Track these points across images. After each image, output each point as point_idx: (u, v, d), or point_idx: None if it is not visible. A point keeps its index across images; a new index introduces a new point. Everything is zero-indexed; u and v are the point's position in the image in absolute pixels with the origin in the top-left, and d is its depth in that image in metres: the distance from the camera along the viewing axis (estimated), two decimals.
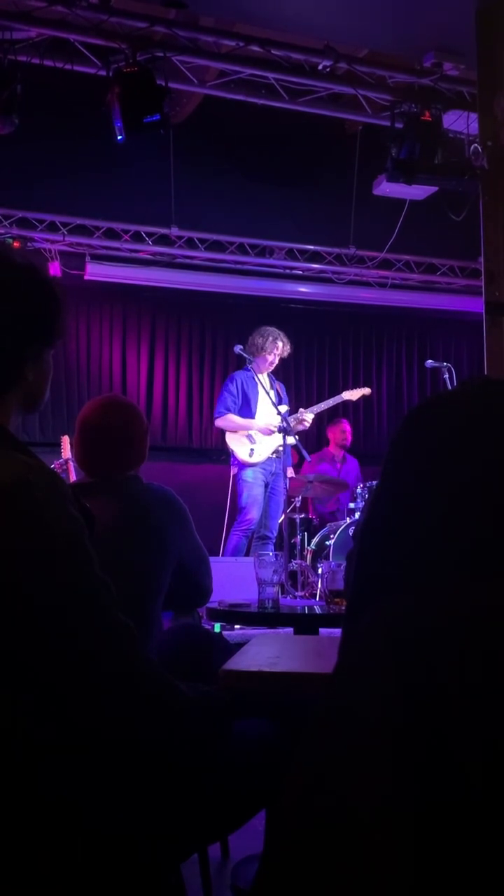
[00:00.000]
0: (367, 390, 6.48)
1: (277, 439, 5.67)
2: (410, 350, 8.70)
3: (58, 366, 6.77)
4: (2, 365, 1.20)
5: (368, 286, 7.98)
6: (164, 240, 7.19)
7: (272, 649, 1.83)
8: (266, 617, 2.72)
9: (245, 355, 5.68)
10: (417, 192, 5.91)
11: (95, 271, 7.21)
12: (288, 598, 4.90)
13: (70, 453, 5.72)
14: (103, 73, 4.93)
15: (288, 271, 7.72)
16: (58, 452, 5.90)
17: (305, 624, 2.77)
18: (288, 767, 0.64)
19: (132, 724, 1.14)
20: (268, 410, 5.74)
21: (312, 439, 7.67)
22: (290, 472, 5.79)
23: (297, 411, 5.89)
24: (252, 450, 5.69)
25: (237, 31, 5.13)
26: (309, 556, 5.79)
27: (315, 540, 5.89)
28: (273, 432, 5.68)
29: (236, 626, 4.48)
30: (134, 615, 1.16)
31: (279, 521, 5.84)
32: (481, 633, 0.62)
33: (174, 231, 7.09)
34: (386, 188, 5.82)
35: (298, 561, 5.76)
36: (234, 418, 5.74)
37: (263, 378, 5.79)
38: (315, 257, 7.66)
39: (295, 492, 6.05)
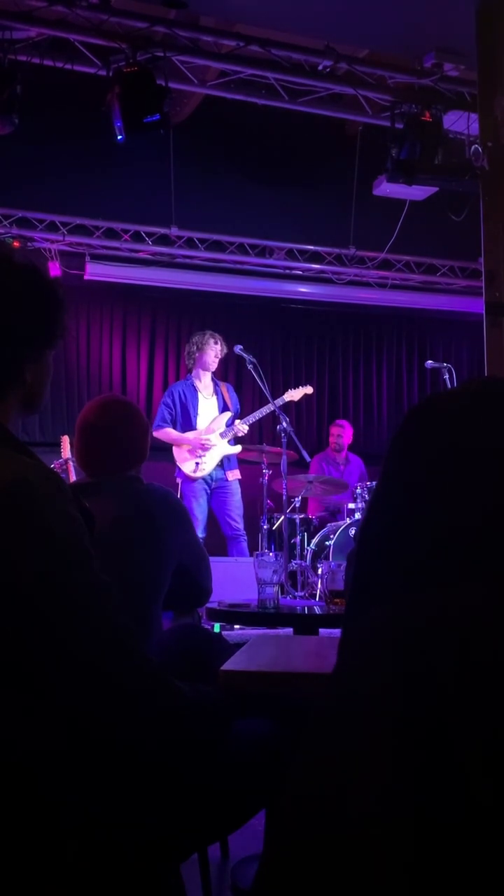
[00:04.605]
0: (308, 389, 6.29)
1: (222, 449, 5.65)
2: (410, 350, 8.70)
3: (58, 366, 6.77)
4: (2, 365, 1.20)
5: (368, 286, 7.97)
6: (164, 240, 7.19)
7: (272, 649, 1.83)
8: (266, 617, 2.72)
9: (245, 355, 5.66)
10: (417, 192, 5.91)
11: (95, 271, 7.22)
12: (288, 598, 4.91)
13: (70, 453, 5.72)
14: (103, 72, 4.94)
15: (288, 271, 7.72)
16: (58, 452, 5.90)
17: (305, 624, 2.77)
18: (288, 767, 0.64)
19: (132, 724, 1.14)
20: (209, 418, 5.73)
21: (313, 440, 7.68)
22: (237, 475, 5.76)
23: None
24: (197, 464, 5.63)
25: (237, 31, 5.13)
26: (309, 557, 5.79)
27: (315, 540, 5.89)
28: (209, 447, 5.62)
29: (236, 626, 4.48)
30: (134, 615, 1.16)
31: (242, 517, 5.77)
32: (481, 631, 0.62)
33: (174, 231, 7.09)
34: (386, 188, 5.82)
35: (298, 561, 5.75)
36: (170, 432, 5.69)
37: (204, 385, 5.77)
38: (315, 257, 7.66)
39: (295, 492, 6.04)
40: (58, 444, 5.97)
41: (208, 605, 2.55)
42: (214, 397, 5.81)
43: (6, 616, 1.04)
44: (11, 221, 6.76)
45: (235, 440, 5.78)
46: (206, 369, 5.77)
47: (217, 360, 5.79)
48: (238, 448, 5.73)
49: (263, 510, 5.81)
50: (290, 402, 6.27)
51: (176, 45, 5.04)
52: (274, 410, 5.67)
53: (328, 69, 5.26)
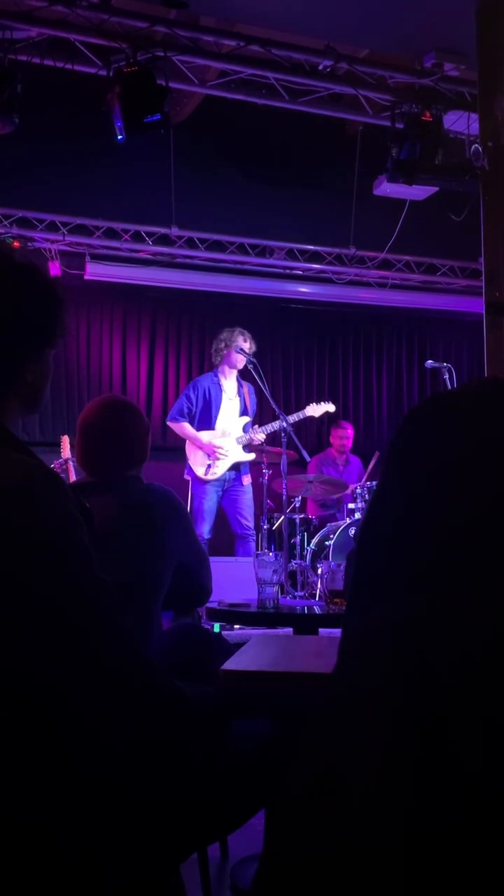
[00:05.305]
0: (331, 406, 6.17)
1: (236, 456, 5.60)
2: (410, 350, 8.70)
3: (58, 366, 6.77)
4: (2, 365, 1.20)
5: (368, 286, 7.97)
6: (164, 240, 7.19)
7: (272, 649, 1.83)
8: (266, 617, 2.72)
9: (245, 355, 5.65)
10: (418, 192, 5.90)
11: (95, 271, 7.22)
12: (288, 598, 4.91)
13: (70, 453, 5.72)
14: (104, 72, 4.93)
15: (288, 271, 7.72)
16: (58, 452, 5.90)
17: (305, 624, 2.78)
18: (288, 767, 0.64)
19: (132, 724, 1.14)
20: (229, 420, 5.67)
21: (313, 440, 7.67)
22: (249, 479, 5.72)
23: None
24: (209, 466, 5.57)
25: (238, 31, 5.13)
26: (309, 557, 5.79)
27: (315, 540, 5.89)
28: (218, 457, 5.55)
29: (236, 626, 4.48)
30: (134, 615, 1.16)
31: (253, 515, 5.73)
32: (481, 631, 0.62)
33: (174, 231, 7.09)
34: (386, 188, 5.82)
35: (298, 561, 5.76)
36: (186, 428, 5.62)
37: (229, 384, 5.71)
38: (315, 257, 7.66)
39: (295, 492, 6.04)
40: (58, 444, 5.96)
41: (208, 605, 2.56)
42: (237, 399, 5.73)
43: (5, 615, 1.04)
44: (11, 221, 6.75)
45: (249, 447, 5.68)
46: (232, 367, 5.68)
47: (245, 359, 5.67)
48: (252, 456, 5.66)
49: (263, 510, 5.81)
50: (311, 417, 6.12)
51: (176, 45, 5.03)
52: (274, 410, 5.65)
53: (328, 69, 5.26)
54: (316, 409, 6.03)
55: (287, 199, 7.19)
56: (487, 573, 0.68)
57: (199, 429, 5.64)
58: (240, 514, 5.66)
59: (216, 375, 5.74)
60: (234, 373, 5.75)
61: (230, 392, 5.72)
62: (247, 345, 5.63)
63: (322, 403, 6.10)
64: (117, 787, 1.17)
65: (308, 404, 6.08)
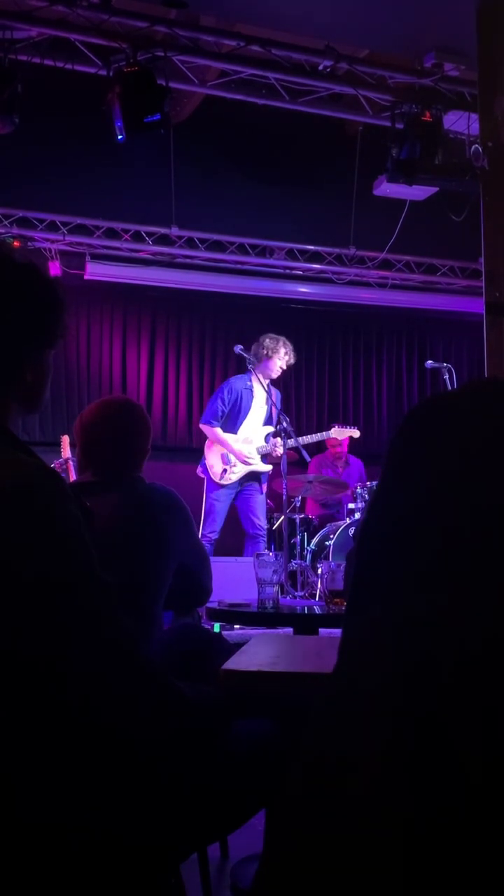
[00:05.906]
0: (355, 432, 6.20)
1: (254, 465, 5.58)
2: (410, 350, 8.70)
3: (58, 366, 6.77)
4: (2, 365, 1.20)
5: (369, 287, 7.97)
6: (164, 239, 7.19)
7: (272, 649, 1.83)
8: (266, 617, 2.72)
9: (245, 355, 5.61)
10: (418, 192, 5.90)
11: (95, 271, 7.22)
12: (288, 598, 4.91)
13: (70, 453, 5.72)
14: (104, 72, 4.94)
15: (288, 271, 7.72)
16: (58, 452, 5.90)
17: (305, 624, 2.78)
18: (288, 767, 0.64)
19: (132, 724, 1.14)
20: (254, 427, 5.65)
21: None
22: (265, 488, 5.70)
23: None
24: (225, 470, 5.55)
25: (238, 31, 5.13)
26: (309, 557, 5.79)
27: (315, 540, 5.89)
28: (249, 463, 5.55)
29: (236, 626, 4.48)
30: (135, 615, 1.16)
31: (265, 516, 5.74)
32: (480, 631, 0.62)
33: (174, 231, 7.09)
34: (386, 188, 5.81)
35: (298, 561, 5.76)
36: (219, 433, 5.58)
37: (259, 390, 5.64)
38: (315, 257, 7.66)
39: (295, 492, 6.03)
40: (58, 444, 5.96)
41: (208, 605, 2.56)
42: (266, 407, 5.66)
43: (6, 615, 1.04)
44: (11, 221, 6.76)
45: (267, 458, 5.63)
46: (266, 376, 5.58)
47: (281, 371, 5.59)
48: (269, 467, 5.62)
49: (263, 510, 5.80)
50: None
51: (176, 45, 5.04)
52: (276, 411, 5.64)
53: (328, 69, 5.26)
54: (340, 433, 6.07)
55: (287, 199, 7.18)
56: (487, 573, 0.68)
57: (223, 430, 5.62)
58: (252, 514, 5.65)
59: (249, 380, 5.66)
60: (267, 381, 5.67)
61: (260, 399, 5.65)
62: (287, 358, 5.56)
63: (347, 427, 6.13)
64: (117, 787, 1.17)
65: (333, 425, 6.13)
